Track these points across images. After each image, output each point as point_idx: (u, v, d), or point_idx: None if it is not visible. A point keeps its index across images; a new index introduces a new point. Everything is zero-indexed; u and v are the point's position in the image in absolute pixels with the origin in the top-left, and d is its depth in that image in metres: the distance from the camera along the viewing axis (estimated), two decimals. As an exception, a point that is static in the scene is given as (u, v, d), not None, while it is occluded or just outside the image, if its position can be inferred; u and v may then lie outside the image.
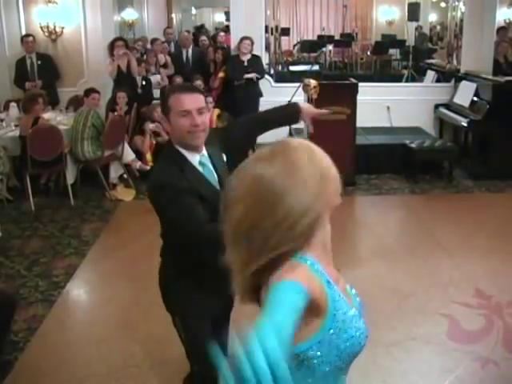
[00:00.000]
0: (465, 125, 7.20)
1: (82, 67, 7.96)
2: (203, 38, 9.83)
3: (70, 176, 6.46)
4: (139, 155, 7.04)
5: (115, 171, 6.81)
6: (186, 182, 2.10)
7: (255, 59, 7.66)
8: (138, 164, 6.92)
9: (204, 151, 2.24)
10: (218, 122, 7.25)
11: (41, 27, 7.86)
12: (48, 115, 6.69)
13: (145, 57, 8.52)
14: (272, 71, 10.23)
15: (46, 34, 7.89)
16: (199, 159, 2.20)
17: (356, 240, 5.59)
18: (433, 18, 13.47)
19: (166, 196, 2.06)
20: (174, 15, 15.32)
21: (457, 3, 9.26)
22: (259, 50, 7.90)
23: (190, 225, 2.03)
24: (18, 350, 3.54)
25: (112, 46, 7.39)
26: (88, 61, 7.94)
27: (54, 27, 7.86)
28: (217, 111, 7.45)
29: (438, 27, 13.48)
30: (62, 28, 7.88)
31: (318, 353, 1.28)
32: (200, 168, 2.19)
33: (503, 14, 8.10)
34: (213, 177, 2.23)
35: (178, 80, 7.87)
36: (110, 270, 4.75)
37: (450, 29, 9.52)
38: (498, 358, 3.43)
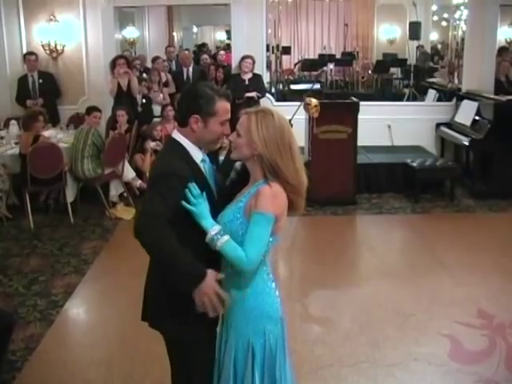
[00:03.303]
0: (466, 144, 7.24)
1: (82, 85, 8.03)
2: (205, 56, 9.94)
3: (70, 194, 6.50)
4: (139, 174, 7.08)
5: (115, 189, 6.84)
6: (193, 176, 2.19)
7: (256, 78, 7.73)
8: (139, 182, 6.95)
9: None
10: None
11: (42, 45, 7.95)
12: (48, 133, 6.73)
13: (144, 75, 8.60)
14: (273, 90, 10.33)
15: (48, 51, 7.98)
16: (202, 157, 2.30)
17: (357, 259, 5.59)
18: (434, 36, 13.61)
19: (173, 184, 2.12)
20: (175, 33, 15.47)
21: (458, 22, 9.36)
22: (260, 68, 7.97)
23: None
24: (15, 370, 3.54)
25: (113, 64, 7.43)
26: (89, 79, 8.01)
27: (55, 45, 7.95)
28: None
29: (439, 46, 13.62)
30: (63, 46, 7.97)
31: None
32: (201, 165, 2.29)
33: (504, 33, 8.22)
34: (211, 173, 2.35)
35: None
36: (110, 288, 4.77)
37: (452, 48, 9.63)
38: (501, 380, 3.43)
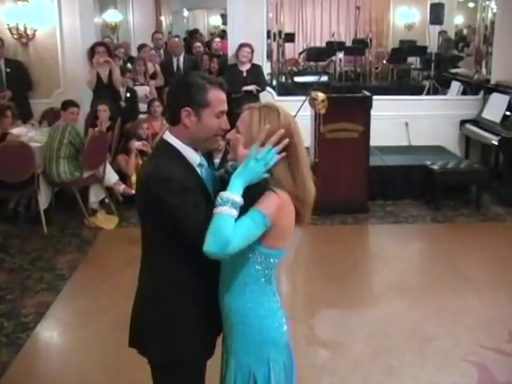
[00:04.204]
0: (495, 143, 7.26)
1: (57, 76, 8.00)
2: (197, 44, 9.94)
3: (43, 200, 6.49)
4: (123, 177, 7.09)
5: (95, 195, 6.84)
6: (191, 180, 2.18)
7: (255, 69, 7.75)
8: (122, 187, 6.95)
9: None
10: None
11: (9, 29, 7.85)
12: (18, 130, 6.71)
13: (128, 65, 8.61)
14: (274, 83, 10.36)
15: (16, 36, 7.89)
16: (199, 161, 2.27)
17: (370, 274, 5.60)
18: (459, 20, 13.57)
19: (174, 190, 2.09)
20: (163, 18, 15.53)
21: (487, 3, 9.25)
22: (260, 58, 8.00)
23: (201, 222, 2.04)
24: (-21, 401, 3.54)
25: (92, 52, 7.44)
26: (65, 68, 7.98)
27: (25, 29, 7.87)
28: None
29: (465, 31, 13.60)
30: (34, 30, 7.92)
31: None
32: (198, 169, 2.26)
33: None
34: (209, 178, 2.32)
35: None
36: (88, 308, 4.76)
37: (479, 33, 9.56)
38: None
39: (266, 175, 2.10)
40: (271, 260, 2.19)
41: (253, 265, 2.18)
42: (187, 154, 2.23)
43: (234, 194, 2.02)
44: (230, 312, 2.23)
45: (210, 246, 1.97)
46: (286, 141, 2.12)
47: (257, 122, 2.14)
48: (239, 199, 2.03)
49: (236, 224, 2.01)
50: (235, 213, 2.02)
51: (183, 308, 2.26)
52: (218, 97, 2.22)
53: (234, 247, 1.99)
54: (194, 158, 2.25)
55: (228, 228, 1.98)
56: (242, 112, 2.21)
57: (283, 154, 2.12)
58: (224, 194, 2.02)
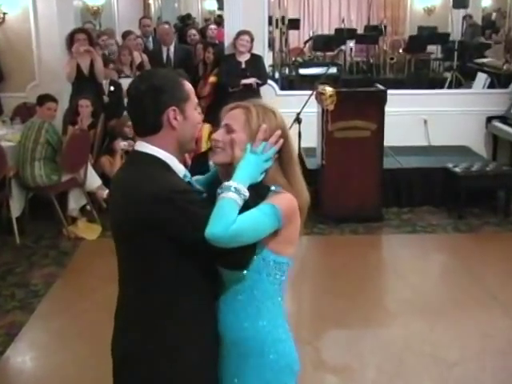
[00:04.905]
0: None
1: (31, 66, 8.02)
2: (193, 31, 9.94)
3: (16, 207, 6.49)
4: (107, 181, 7.08)
5: (75, 201, 6.84)
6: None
7: (255, 60, 7.76)
8: (106, 192, 6.94)
9: None
10: (209, 140, 7.27)
11: (-26, 12, 7.88)
12: (-13, 128, 6.76)
13: (114, 55, 8.61)
14: (277, 75, 10.36)
15: (-18, 20, 7.92)
16: (184, 171, 2.26)
17: (384, 291, 5.60)
18: (486, 3, 13.57)
19: (193, 199, 2.12)
20: (151, 1, 15.56)
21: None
22: (261, 47, 8.01)
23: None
24: None
25: (71, 40, 7.43)
26: (40, 58, 7.99)
27: (-7, 12, 7.90)
28: (207, 127, 7.50)
29: (494, 15, 13.59)
30: (4, 14, 7.93)
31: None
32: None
33: None
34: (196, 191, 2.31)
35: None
36: (67, 329, 4.75)
37: (510, 17, 9.57)
38: None
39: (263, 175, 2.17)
40: (283, 268, 2.21)
41: (267, 277, 2.19)
42: (174, 164, 2.21)
43: (238, 183, 2.06)
44: (241, 342, 2.20)
45: (213, 227, 1.97)
46: (281, 141, 2.20)
47: (256, 122, 2.18)
48: (244, 189, 2.06)
49: (242, 215, 2.04)
50: (240, 201, 2.04)
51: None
52: (190, 87, 2.27)
53: (237, 232, 1.98)
54: (181, 168, 2.24)
55: (232, 210, 2.01)
56: (227, 110, 2.26)
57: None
58: (227, 183, 2.06)
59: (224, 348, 2.25)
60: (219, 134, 2.23)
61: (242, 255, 2.08)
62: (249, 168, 2.10)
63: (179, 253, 2.11)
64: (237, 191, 2.03)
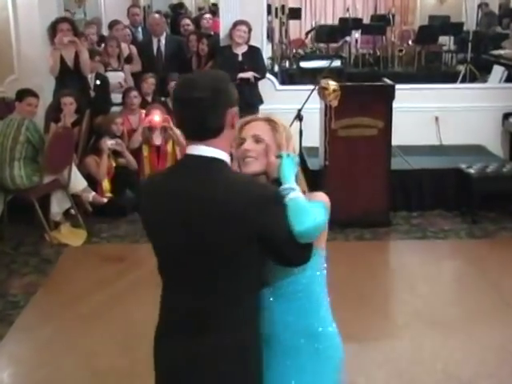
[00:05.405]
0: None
1: (10, 59, 7.99)
2: (186, 21, 9.96)
3: (-6, 211, 6.51)
4: (93, 183, 7.09)
5: (59, 205, 6.84)
6: None
7: (253, 52, 7.78)
8: (91, 195, 6.95)
9: None
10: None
11: None
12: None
13: (102, 46, 8.61)
14: (276, 69, 10.38)
15: (-46, 9, 7.90)
16: None
17: (392, 301, 5.61)
18: (504, -11, 13.60)
19: (282, 203, 2.29)
20: (141, -12, 15.56)
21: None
22: (259, 39, 8.01)
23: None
24: None
25: (53, 30, 7.43)
26: (19, 50, 7.97)
27: (-33, 0, 7.88)
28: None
29: (512, 3, 13.59)
30: (-22, 2, 7.93)
31: None
32: None
33: None
34: None
35: (151, 80, 7.95)
36: (49, 342, 4.73)
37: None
38: None
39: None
40: (324, 261, 2.58)
41: (318, 272, 2.57)
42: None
43: (291, 184, 2.34)
44: (300, 346, 2.45)
45: (304, 223, 2.23)
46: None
47: (282, 130, 2.48)
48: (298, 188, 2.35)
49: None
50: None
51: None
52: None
53: (320, 225, 2.32)
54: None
55: (310, 206, 2.29)
56: (245, 123, 2.51)
57: None
58: (286, 186, 2.33)
59: (278, 348, 2.46)
60: (250, 145, 2.44)
61: (310, 250, 2.32)
62: (290, 170, 2.37)
63: (260, 254, 2.30)
64: (297, 190, 2.32)
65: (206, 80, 2.29)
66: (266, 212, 2.22)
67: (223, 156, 2.29)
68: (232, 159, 2.40)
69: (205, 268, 2.28)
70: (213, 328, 2.31)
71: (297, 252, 2.28)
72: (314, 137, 6.86)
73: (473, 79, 10.44)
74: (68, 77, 7.43)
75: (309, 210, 2.25)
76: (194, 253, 2.26)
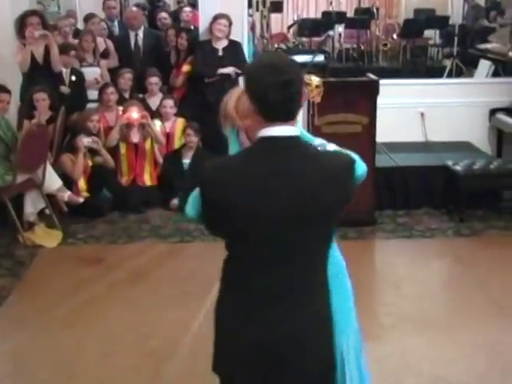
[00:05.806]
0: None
1: (-22, 53, 7.94)
2: (163, 15, 9.94)
3: (-35, 212, 6.46)
4: (68, 182, 7.06)
5: (33, 205, 6.79)
6: None
7: (234, 47, 7.77)
8: (67, 195, 6.93)
9: None
10: (183, 136, 7.28)
11: None
12: None
13: (77, 41, 8.57)
14: (258, 63, 10.35)
15: None
16: None
17: (377, 301, 5.61)
18: (491, -19, 13.64)
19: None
20: (117, -19, 15.49)
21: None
22: (239, 33, 8.02)
23: None
24: None
25: (22, 24, 7.37)
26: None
27: None
28: (181, 122, 7.49)
29: (500, -5, 13.64)
30: None
31: None
32: None
33: None
34: None
35: (128, 76, 7.93)
36: (23, 349, 4.70)
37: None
38: None
39: None
40: None
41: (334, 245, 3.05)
42: None
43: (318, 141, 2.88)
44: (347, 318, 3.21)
45: (362, 166, 2.74)
46: None
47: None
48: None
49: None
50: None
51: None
52: None
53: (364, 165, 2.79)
54: None
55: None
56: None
57: None
58: (317, 142, 2.83)
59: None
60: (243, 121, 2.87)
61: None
62: (307, 135, 2.89)
63: None
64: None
65: (289, 62, 2.44)
66: (352, 173, 2.51)
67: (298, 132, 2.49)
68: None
69: (305, 241, 2.47)
70: (304, 297, 2.49)
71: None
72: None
73: (459, 74, 10.49)
74: (37, 72, 7.38)
75: (356, 157, 2.63)
76: (307, 221, 2.44)
